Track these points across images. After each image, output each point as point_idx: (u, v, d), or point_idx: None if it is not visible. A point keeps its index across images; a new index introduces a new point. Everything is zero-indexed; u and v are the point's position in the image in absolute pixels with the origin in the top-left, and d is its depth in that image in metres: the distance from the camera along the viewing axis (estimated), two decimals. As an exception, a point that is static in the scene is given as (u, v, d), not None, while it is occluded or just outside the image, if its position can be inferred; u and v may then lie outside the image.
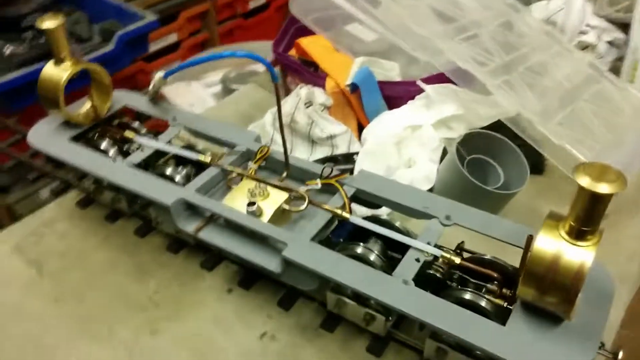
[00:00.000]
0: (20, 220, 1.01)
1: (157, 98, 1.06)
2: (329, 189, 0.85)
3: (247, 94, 1.44)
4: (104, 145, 0.96)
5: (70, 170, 1.01)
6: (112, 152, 0.96)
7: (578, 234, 0.62)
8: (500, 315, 0.68)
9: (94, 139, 0.99)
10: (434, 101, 1.16)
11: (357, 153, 1.13)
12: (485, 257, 0.78)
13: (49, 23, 0.90)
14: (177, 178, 0.92)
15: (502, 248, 0.79)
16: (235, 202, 0.85)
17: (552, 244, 0.63)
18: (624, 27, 1.42)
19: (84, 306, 0.85)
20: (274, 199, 0.85)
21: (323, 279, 0.76)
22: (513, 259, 0.72)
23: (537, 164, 1.18)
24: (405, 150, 1.13)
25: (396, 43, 1.22)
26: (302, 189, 0.88)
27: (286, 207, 0.85)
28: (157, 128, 1.04)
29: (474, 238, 0.81)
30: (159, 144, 0.96)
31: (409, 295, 0.71)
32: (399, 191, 0.87)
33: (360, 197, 0.89)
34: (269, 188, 0.87)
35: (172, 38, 2.38)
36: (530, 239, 0.66)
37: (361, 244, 0.80)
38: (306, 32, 1.40)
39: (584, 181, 0.59)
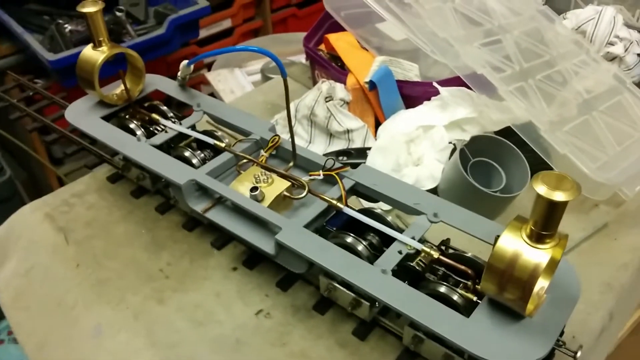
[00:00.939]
0: (55, 191, 1.12)
1: (186, 84, 1.14)
2: (331, 181, 0.92)
3: (277, 84, 1.51)
4: (131, 125, 1.06)
5: (104, 147, 1.12)
6: (138, 132, 1.05)
7: (537, 237, 0.67)
8: (470, 309, 0.72)
9: (124, 118, 1.09)
10: (448, 103, 1.20)
11: (370, 148, 1.19)
12: (466, 254, 0.84)
13: (88, 8, 0.99)
14: (194, 161, 1.00)
15: (482, 246, 0.83)
16: (241, 187, 0.93)
17: (513, 244, 0.68)
18: (656, 39, 1.41)
19: (102, 272, 0.92)
20: (276, 186, 0.92)
21: (310, 262, 0.83)
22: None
23: (540, 167, 1.21)
24: (415, 148, 1.18)
25: (418, 45, 1.26)
26: (305, 179, 0.94)
27: (287, 194, 0.91)
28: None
29: (468, 238, 0.85)
30: (180, 127, 1.05)
31: (385, 284, 0.77)
32: (394, 187, 0.93)
33: (358, 190, 0.96)
34: (274, 176, 0.94)
35: (227, 24, 2.47)
36: (496, 239, 0.71)
37: (351, 234, 0.87)
38: (339, 28, 1.46)
39: (541, 189, 0.63)
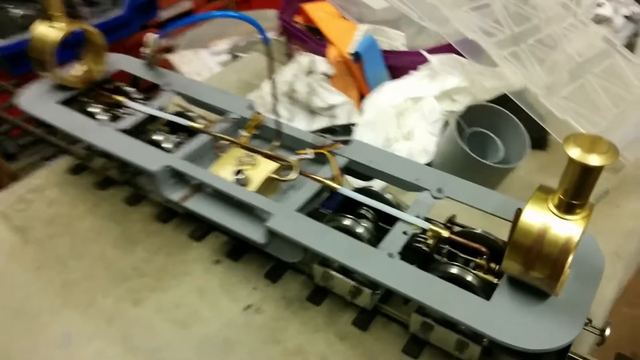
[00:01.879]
0: (8, 187, 0.99)
1: (154, 62, 1.04)
2: (322, 160, 0.83)
3: (250, 62, 1.42)
4: (93, 109, 0.95)
5: (64, 136, 1.00)
6: (102, 116, 0.94)
7: (567, 207, 0.59)
8: (487, 291, 0.66)
9: (85, 102, 0.97)
10: (438, 72, 1.12)
11: (355, 124, 1.11)
12: (476, 231, 0.76)
13: (40, -21, 0.88)
14: (167, 145, 0.90)
15: (497, 223, 0.75)
16: (223, 171, 0.83)
17: (540, 217, 0.60)
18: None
19: (67, 274, 0.85)
20: (263, 168, 0.83)
21: (307, 250, 0.74)
22: (506, 233, 0.70)
23: (540, 140, 1.15)
24: (405, 121, 1.10)
25: (404, 11, 1.18)
26: (293, 159, 0.85)
27: (275, 176, 0.83)
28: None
29: (469, 213, 0.79)
30: (149, 109, 0.94)
31: (393, 269, 0.69)
32: (392, 163, 0.84)
33: (352, 168, 0.87)
34: (259, 157, 0.85)
35: (187, 5, 2.34)
36: (518, 213, 0.64)
37: (349, 216, 0.78)
38: (314, -1, 1.37)
39: (574, 152, 0.56)
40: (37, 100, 0.95)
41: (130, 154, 0.85)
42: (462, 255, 0.76)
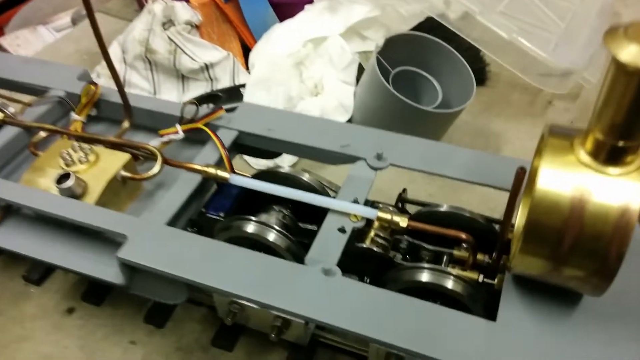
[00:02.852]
0: None
1: None
2: (199, 138, 0.55)
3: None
4: None
5: None
6: None
7: (612, 154, 0.35)
8: (478, 298, 0.41)
9: None
10: (340, 2, 0.85)
11: (245, 85, 0.82)
12: (440, 208, 0.51)
13: None
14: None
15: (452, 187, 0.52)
16: (42, 178, 0.52)
17: (569, 178, 0.36)
18: None
19: None
20: (105, 166, 0.53)
21: (193, 286, 0.46)
22: (471, 200, 0.45)
23: (478, 73, 0.92)
24: (308, 72, 0.83)
25: None
26: (154, 143, 0.56)
27: (127, 174, 0.53)
28: None
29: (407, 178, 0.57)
30: None
31: (333, 294, 0.43)
32: (301, 127, 0.58)
33: (246, 144, 0.59)
34: (98, 149, 0.55)
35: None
36: (521, 176, 0.39)
37: (252, 218, 0.50)
38: None
39: (628, 52, 0.31)
40: None
41: None
42: (427, 247, 0.51)
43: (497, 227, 0.52)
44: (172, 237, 0.48)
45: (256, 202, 0.57)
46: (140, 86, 0.86)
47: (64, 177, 0.51)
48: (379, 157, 0.54)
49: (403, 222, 0.49)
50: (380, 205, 0.52)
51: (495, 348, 0.40)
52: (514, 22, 0.84)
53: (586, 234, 0.36)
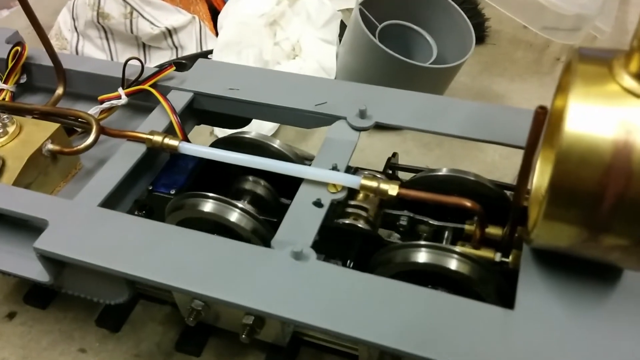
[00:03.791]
0: None
1: None
2: (149, 106, 0.45)
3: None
4: None
5: None
6: None
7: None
8: (489, 280, 0.32)
9: None
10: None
11: (212, 51, 0.72)
12: (439, 173, 0.42)
13: None
14: None
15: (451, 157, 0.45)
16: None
17: (610, 115, 0.26)
18: None
19: None
20: (27, 138, 0.44)
21: (135, 282, 0.37)
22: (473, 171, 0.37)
23: (476, 29, 0.81)
24: (284, 33, 0.73)
25: None
26: (93, 112, 0.47)
27: (55, 148, 0.43)
28: None
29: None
30: None
31: (305, 284, 0.33)
32: (271, 85, 0.48)
33: (205, 109, 0.49)
34: (21, 119, 0.45)
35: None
36: (541, 117, 0.29)
37: (211, 195, 0.41)
38: None
39: None
40: None
41: None
42: (426, 220, 0.41)
43: (509, 194, 0.43)
44: (104, 221, 0.38)
45: (219, 177, 0.48)
46: (96, 58, 0.76)
47: (-27, 153, 0.41)
48: (362, 114, 0.45)
49: (392, 190, 0.39)
50: (366, 173, 0.43)
51: (515, 344, 0.31)
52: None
53: (636, 188, 0.26)
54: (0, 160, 0.42)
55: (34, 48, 0.54)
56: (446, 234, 0.42)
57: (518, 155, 0.33)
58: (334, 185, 0.41)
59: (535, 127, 0.30)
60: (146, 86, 0.48)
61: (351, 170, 0.44)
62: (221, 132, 0.66)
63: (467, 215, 0.41)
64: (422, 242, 0.39)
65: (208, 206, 0.42)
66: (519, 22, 0.80)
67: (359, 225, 0.40)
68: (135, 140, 0.44)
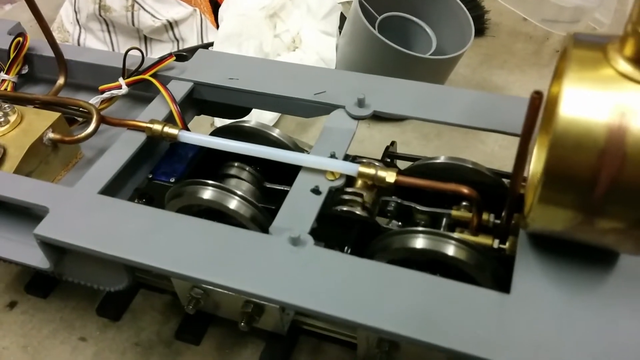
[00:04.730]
0: None
1: None
2: (149, 97, 0.45)
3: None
4: None
5: None
6: None
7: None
8: (486, 266, 0.33)
9: None
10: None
11: (213, 44, 0.72)
12: (436, 160, 0.42)
13: None
14: None
15: (450, 148, 0.46)
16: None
17: (603, 99, 0.27)
18: None
19: None
20: (28, 127, 0.44)
21: (135, 268, 0.37)
22: (473, 155, 0.37)
23: (476, 22, 0.82)
24: (284, 25, 0.73)
25: None
26: (94, 102, 0.47)
27: (55, 136, 0.44)
28: None
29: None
30: None
31: (302, 269, 0.34)
32: (270, 75, 0.49)
33: (205, 100, 0.50)
34: (22, 109, 0.45)
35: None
36: (537, 102, 0.29)
37: (210, 182, 0.41)
38: None
39: None
40: None
41: None
42: (423, 209, 0.42)
43: (506, 182, 0.43)
44: (104, 208, 0.39)
45: (218, 166, 0.48)
46: (97, 49, 0.76)
47: (-25, 141, 0.42)
48: (361, 103, 0.45)
49: (390, 177, 0.39)
50: (365, 160, 0.43)
51: (511, 327, 0.31)
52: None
53: (629, 171, 0.27)
54: (1, 149, 0.42)
55: (35, 39, 0.55)
56: (444, 221, 0.42)
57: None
58: (332, 173, 0.41)
59: (531, 112, 0.30)
60: (146, 76, 0.49)
61: (349, 158, 0.44)
62: (221, 123, 0.66)
63: (458, 200, 0.41)
64: (420, 229, 0.39)
65: (207, 193, 0.43)
66: (519, 14, 0.80)
67: (357, 212, 0.40)
68: (136, 129, 0.45)
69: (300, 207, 0.39)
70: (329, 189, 0.41)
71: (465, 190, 0.39)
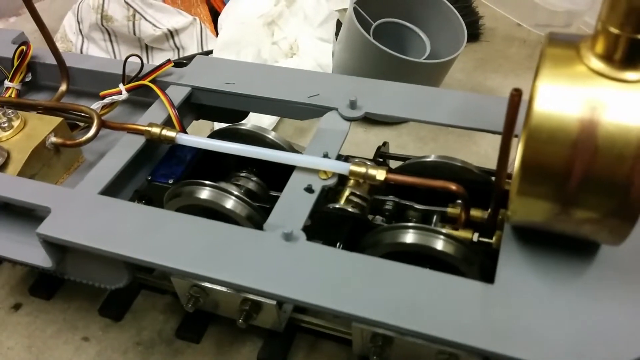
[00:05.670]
0: None
1: None
2: (149, 102, 0.47)
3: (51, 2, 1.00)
4: None
5: None
6: None
7: (630, 52, 0.28)
8: (473, 260, 0.35)
9: None
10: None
11: (212, 51, 0.74)
12: (427, 159, 0.43)
13: None
14: None
15: (445, 150, 0.46)
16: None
17: (575, 94, 0.28)
18: None
19: None
20: (31, 132, 0.46)
21: (135, 266, 0.38)
22: (466, 157, 0.38)
23: (470, 27, 0.83)
24: (282, 32, 0.75)
25: None
26: (95, 107, 0.48)
27: (57, 141, 0.45)
28: None
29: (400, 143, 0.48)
30: None
31: (295, 263, 0.35)
32: (265, 79, 0.50)
33: (203, 104, 0.51)
34: (25, 114, 0.47)
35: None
36: (516, 99, 0.30)
37: (208, 183, 0.43)
38: None
39: None
40: None
41: None
42: (415, 207, 0.43)
43: (494, 179, 0.44)
44: (104, 207, 0.40)
45: (216, 168, 0.50)
46: (98, 56, 0.78)
47: (-18, 144, 0.43)
48: (353, 105, 0.47)
49: (380, 175, 0.41)
50: (357, 159, 0.44)
51: (494, 314, 0.32)
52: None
53: (601, 162, 0.28)
54: (5, 153, 0.44)
55: (38, 48, 0.57)
56: (434, 218, 0.44)
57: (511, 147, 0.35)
58: (325, 172, 0.43)
59: (510, 109, 0.32)
60: (146, 81, 0.50)
61: (342, 158, 0.46)
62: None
63: (448, 198, 0.43)
64: (410, 224, 0.40)
65: (205, 193, 0.44)
66: (513, 19, 0.81)
67: (349, 210, 0.42)
68: (135, 132, 0.46)
69: (293, 205, 0.41)
70: (321, 187, 0.42)
71: (453, 186, 0.40)
